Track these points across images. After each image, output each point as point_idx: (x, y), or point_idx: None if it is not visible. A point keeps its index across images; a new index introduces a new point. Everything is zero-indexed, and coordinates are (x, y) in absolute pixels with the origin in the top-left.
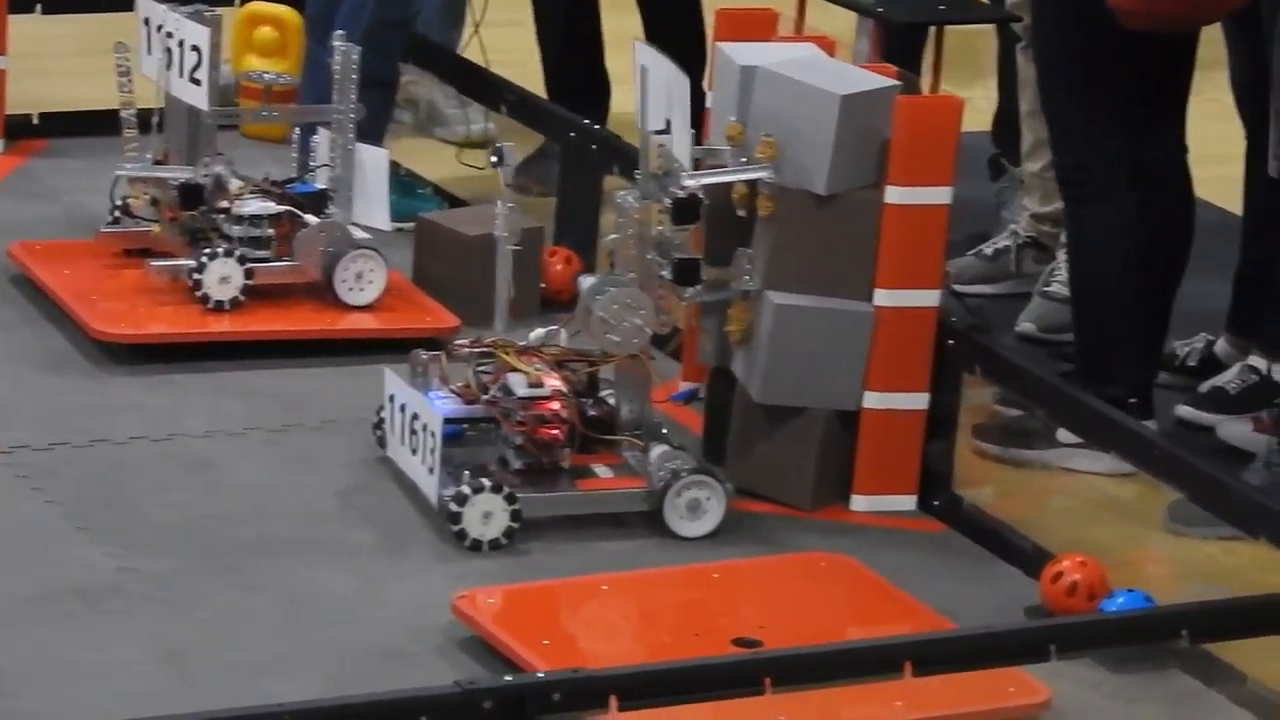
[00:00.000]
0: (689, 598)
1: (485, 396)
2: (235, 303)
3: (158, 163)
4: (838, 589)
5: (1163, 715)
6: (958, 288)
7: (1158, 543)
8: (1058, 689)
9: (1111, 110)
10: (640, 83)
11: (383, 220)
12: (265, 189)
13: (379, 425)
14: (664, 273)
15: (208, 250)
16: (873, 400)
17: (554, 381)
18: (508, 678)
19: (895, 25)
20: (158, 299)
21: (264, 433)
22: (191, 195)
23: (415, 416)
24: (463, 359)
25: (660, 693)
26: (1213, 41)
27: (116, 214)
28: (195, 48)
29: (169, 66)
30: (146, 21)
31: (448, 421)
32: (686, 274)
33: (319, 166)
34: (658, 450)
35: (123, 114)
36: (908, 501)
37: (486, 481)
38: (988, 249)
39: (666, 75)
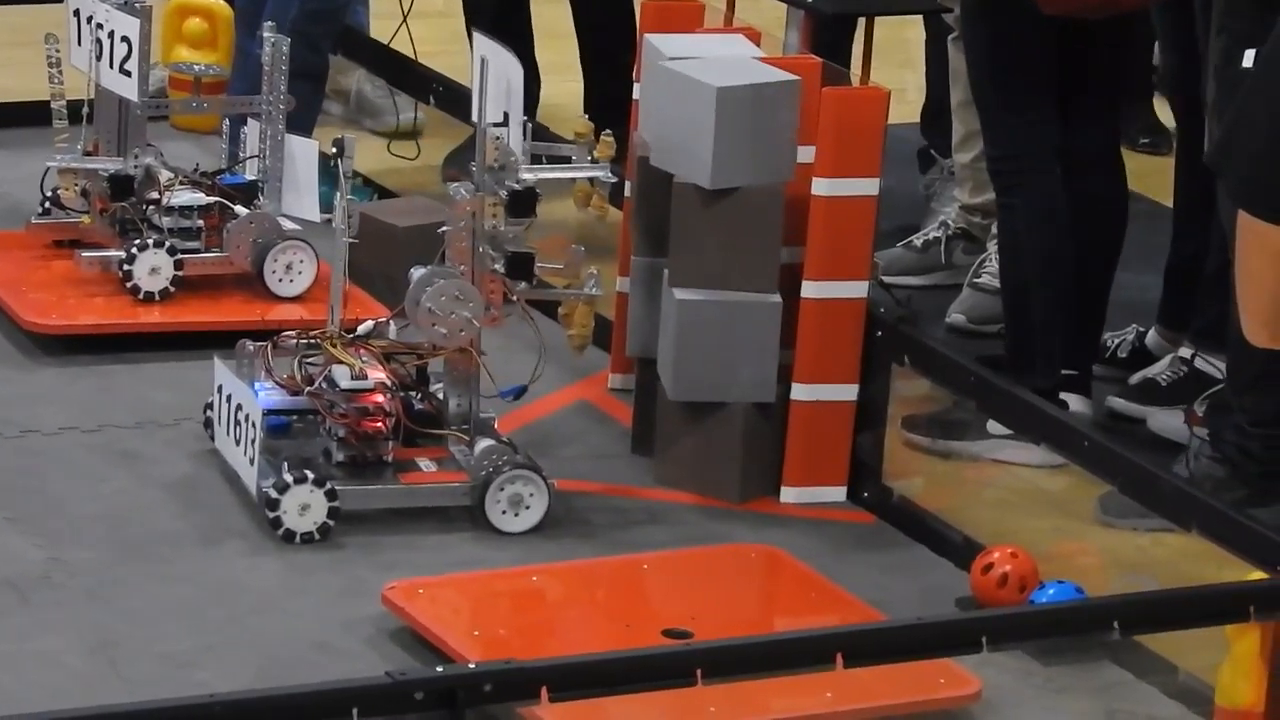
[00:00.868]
0: (619, 589)
1: (309, 389)
2: (165, 294)
3: (88, 154)
4: (767, 580)
5: (1093, 706)
6: (887, 279)
7: (1089, 534)
8: (989, 680)
9: (1042, 100)
10: (478, 74)
11: (312, 211)
12: (195, 180)
13: (207, 418)
14: (496, 266)
15: (138, 241)
16: (801, 392)
17: (378, 374)
18: (439, 669)
19: (824, 17)
20: (88, 290)
21: (194, 424)
22: (122, 186)
23: (239, 407)
24: (290, 351)
25: (591, 684)
26: None
27: (47, 205)
28: (125, 39)
29: (99, 58)
30: (76, 13)
31: (272, 413)
32: (519, 268)
33: (249, 158)
34: (483, 445)
35: (53, 105)
36: (837, 493)
37: (304, 473)
38: (917, 240)
39: (505, 67)
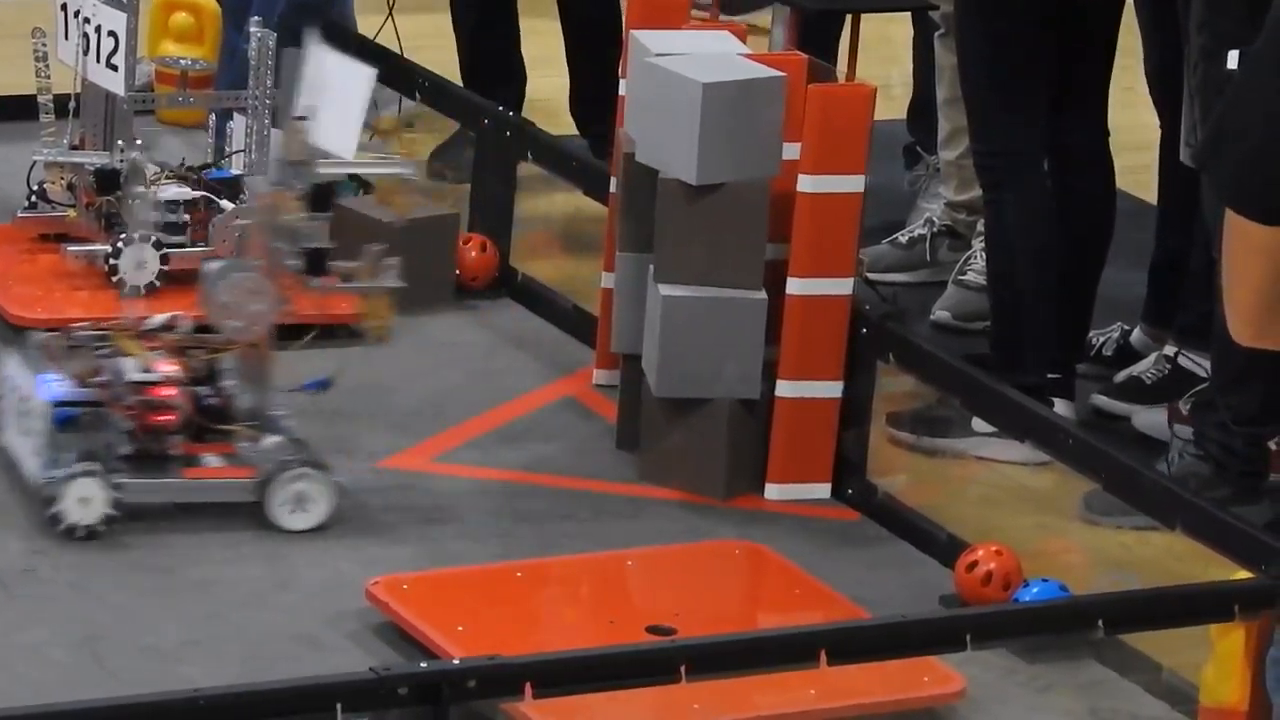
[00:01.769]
0: (603, 585)
1: (95, 380)
2: (151, 288)
3: (74, 148)
4: (752, 577)
5: (1078, 704)
6: (872, 276)
7: (1073, 532)
8: (973, 678)
9: (1031, 97)
10: (288, 68)
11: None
12: (181, 174)
13: None
14: (292, 260)
15: (123, 235)
16: (785, 389)
17: (168, 367)
18: (423, 664)
19: (810, 13)
20: (74, 284)
21: None
22: (108, 180)
23: (25, 399)
24: (81, 342)
25: (576, 680)
26: (1127, 29)
27: (33, 199)
28: (112, 33)
29: (86, 52)
30: (64, 7)
31: (59, 405)
32: (316, 264)
33: (234, 152)
34: (271, 441)
35: (40, 99)
36: (822, 490)
37: (84, 466)
38: (903, 237)
39: (323, 61)
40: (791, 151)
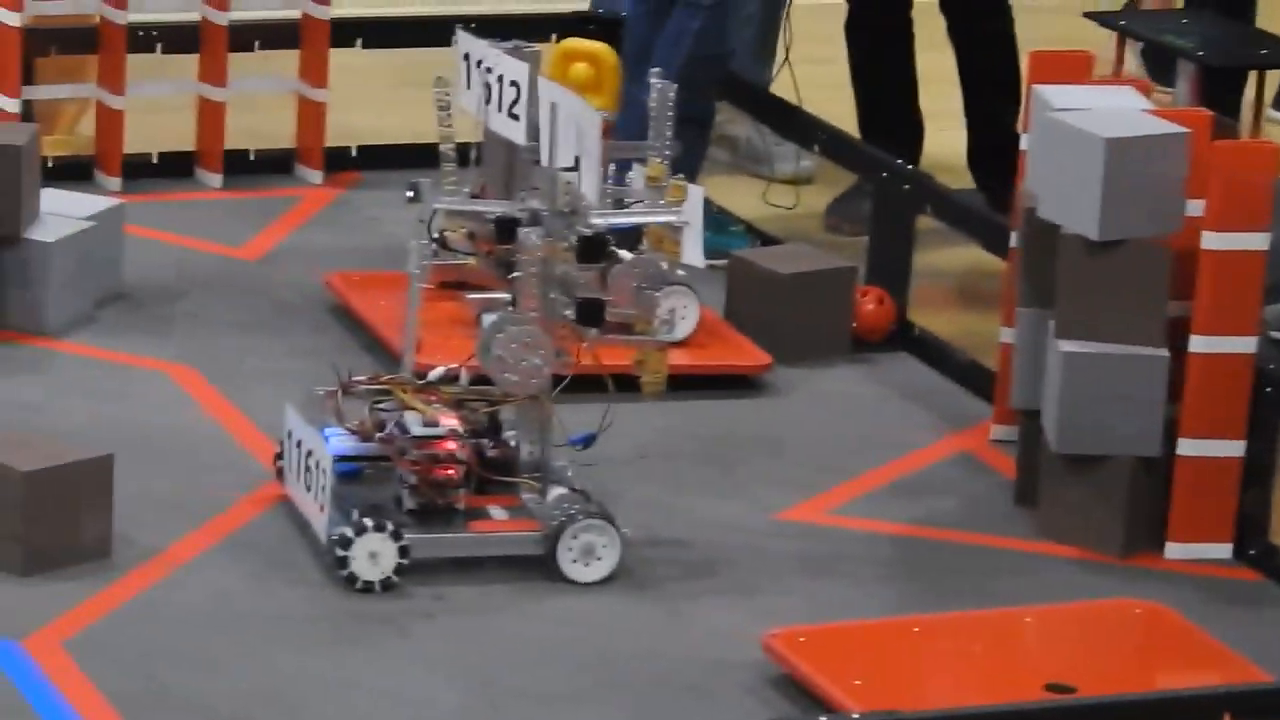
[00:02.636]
0: (1001, 641)
1: (380, 435)
2: None
3: (474, 196)
4: (1152, 636)
5: None
6: (1275, 335)
7: None
8: None
9: None
10: (547, 120)
11: (697, 257)
12: None
13: (278, 458)
14: (567, 312)
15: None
16: (1187, 447)
17: (450, 421)
18: (822, 718)
19: (1212, 69)
20: (473, 331)
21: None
22: (507, 229)
23: (309, 453)
24: (360, 397)
25: None
26: None
27: (433, 247)
28: (514, 83)
29: (488, 101)
30: (466, 57)
31: (342, 459)
32: (589, 315)
33: (634, 203)
34: (555, 493)
35: (441, 148)
36: (1223, 550)
37: (371, 521)
38: None
39: (575, 111)
40: (1193, 208)
